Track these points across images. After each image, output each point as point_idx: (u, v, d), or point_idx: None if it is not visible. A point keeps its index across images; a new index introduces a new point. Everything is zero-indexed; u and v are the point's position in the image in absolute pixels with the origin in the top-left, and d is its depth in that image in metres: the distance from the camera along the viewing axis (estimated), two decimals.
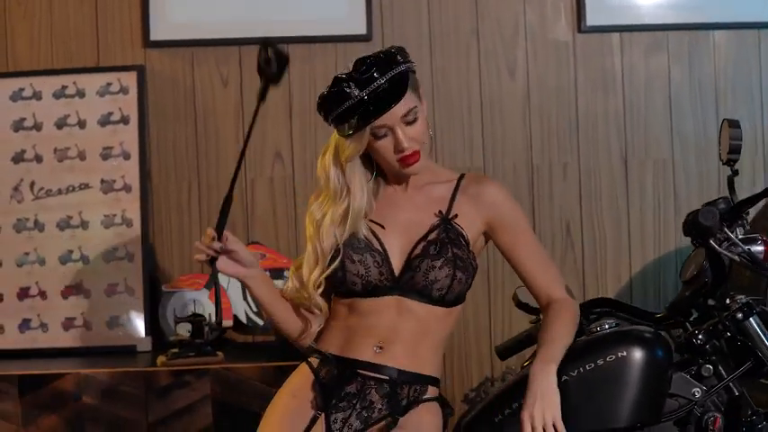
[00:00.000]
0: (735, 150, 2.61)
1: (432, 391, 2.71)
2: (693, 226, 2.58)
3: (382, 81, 2.58)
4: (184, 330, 3.84)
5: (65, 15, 4.15)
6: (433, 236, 2.69)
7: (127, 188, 4.06)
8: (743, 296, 2.69)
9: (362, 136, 2.65)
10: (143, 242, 4.04)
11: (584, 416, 2.60)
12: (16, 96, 4.08)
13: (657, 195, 4.15)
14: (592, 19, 4.12)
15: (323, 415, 2.67)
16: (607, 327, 2.73)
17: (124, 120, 4.07)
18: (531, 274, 2.77)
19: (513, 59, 4.16)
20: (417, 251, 2.68)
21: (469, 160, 4.13)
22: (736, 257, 2.61)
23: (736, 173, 2.66)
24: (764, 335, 2.64)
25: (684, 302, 2.78)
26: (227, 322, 3.89)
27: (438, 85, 4.16)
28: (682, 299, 2.79)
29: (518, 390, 2.65)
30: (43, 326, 4.01)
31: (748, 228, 2.72)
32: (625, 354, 2.60)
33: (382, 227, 2.72)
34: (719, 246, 2.61)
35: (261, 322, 4.00)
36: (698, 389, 2.64)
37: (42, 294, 4.02)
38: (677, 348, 2.71)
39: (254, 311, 3.99)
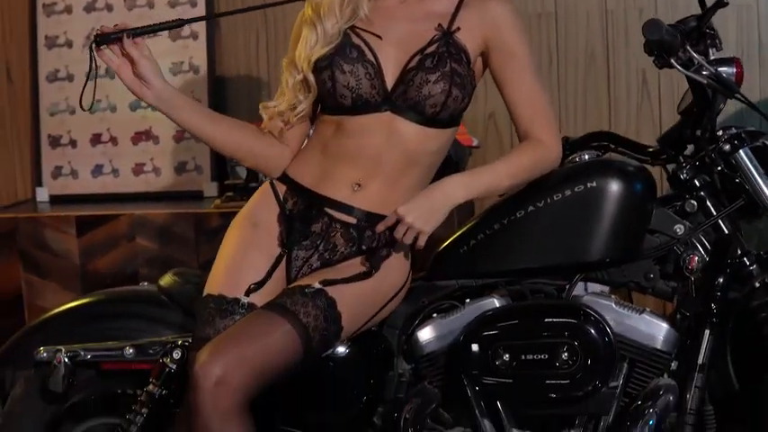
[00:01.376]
0: None
1: None
2: (652, 44, 2.41)
3: None
4: (241, 174, 3.93)
5: None
6: (431, 49, 2.52)
7: (194, 35, 4.13)
8: (734, 127, 2.55)
9: None
10: (209, 88, 4.10)
11: (551, 249, 2.54)
12: None
13: (740, 43, 3.88)
14: None
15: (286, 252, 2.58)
16: (587, 158, 2.64)
17: None
18: (516, 106, 2.57)
19: None
20: (413, 64, 2.51)
21: (540, 5, 3.98)
22: (703, 79, 2.43)
23: None
24: (756, 169, 2.48)
25: (674, 135, 2.63)
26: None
27: None
28: (673, 131, 2.65)
29: (483, 223, 2.61)
30: (114, 171, 4.17)
31: (722, 48, 2.53)
32: (594, 184, 2.50)
33: (379, 37, 2.54)
34: (686, 69, 2.43)
35: None
36: (681, 225, 2.52)
37: (113, 140, 4.17)
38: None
39: None
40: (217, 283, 2.54)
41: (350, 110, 2.54)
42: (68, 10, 4.21)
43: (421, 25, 2.55)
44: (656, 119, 3.96)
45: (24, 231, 3.81)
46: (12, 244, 3.83)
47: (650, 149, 2.68)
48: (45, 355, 2.67)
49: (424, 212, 2.45)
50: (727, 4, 2.50)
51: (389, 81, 2.52)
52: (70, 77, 4.18)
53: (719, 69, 2.44)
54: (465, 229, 2.63)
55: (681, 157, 2.60)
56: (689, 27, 2.45)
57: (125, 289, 2.99)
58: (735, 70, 2.46)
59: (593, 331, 2.41)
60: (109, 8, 4.18)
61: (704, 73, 2.45)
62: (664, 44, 2.37)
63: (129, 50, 2.47)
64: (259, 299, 2.50)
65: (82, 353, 2.67)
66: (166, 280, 2.79)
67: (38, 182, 4.20)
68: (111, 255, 3.80)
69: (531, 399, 2.49)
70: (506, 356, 2.44)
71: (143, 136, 4.14)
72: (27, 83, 4.28)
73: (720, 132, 2.54)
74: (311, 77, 2.52)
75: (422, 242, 2.47)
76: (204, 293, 2.54)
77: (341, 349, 2.54)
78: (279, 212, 2.60)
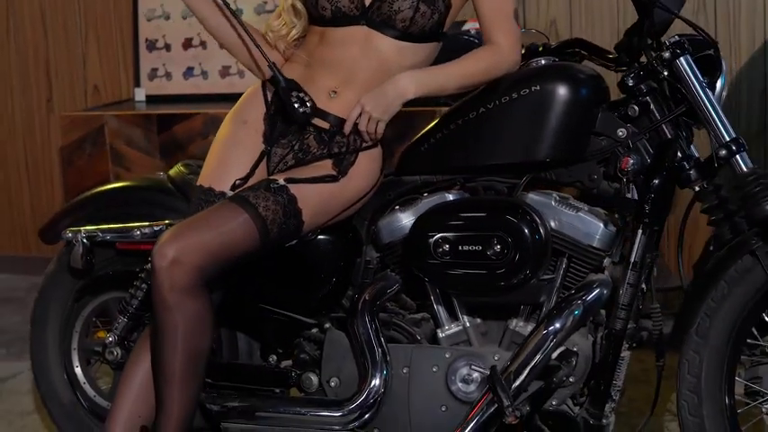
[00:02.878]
0: None
1: None
2: None
3: None
4: None
5: None
6: None
7: None
8: (677, 36, 2.67)
9: None
10: None
11: (502, 148, 2.73)
12: None
13: None
14: None
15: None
16: (543, 62, 2.82)
17: None
18: (482, 12, 2.80)
19: None
20: None
21: None
22: None
23: None
24: (695, 77, 2.61)
25: (625, 42, 2.77)
26: None
27: None
28: (625, 38, 2.79)
29: (442, 123, 2.84)
30: (204, 73, 4.56)
31: None
32: (539, 88, 2.68)
33: None
34: None
35: None
36: (623, 129, 2.67)
37: (203, 44, 4.56)
38: None
39: None
40: (207, 175, 2.85)
41: (330, 21, 2.78)
42: None
43: None
44: (712, 31, 4.04)
45: (112, 128, 4.24)
46: (102, 139, 4.29)
47: (610, 56, 2.82)
48: (69, 235, 3.06)
49: (380, 102, 2.70)
50: None
51: None
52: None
53: None
54: (427, 128, 2.86)
55: (635, 64, 2.74)
56: None
57: (143, 177, 3.36)
58: None
59: (523, 226, 2.61)
60: None
61: None
62: None
63: None
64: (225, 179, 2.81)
65: (99, 234, 3.05)
66: (174, 170, 3.14)
67: (136, 83, 4.63)
68: (188, 150, 4.19)
69: (469, 287, 2.72)
70: (446, 246, 2.68)
71: None
72: None
73: (668, 40, 2.67)
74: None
75: (380, 129, 2.72)
76: (197, 183, 2.87)
77: (311, 236, 2.84)
78: (265, 112, 2.86)
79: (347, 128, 2.76)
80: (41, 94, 5.24)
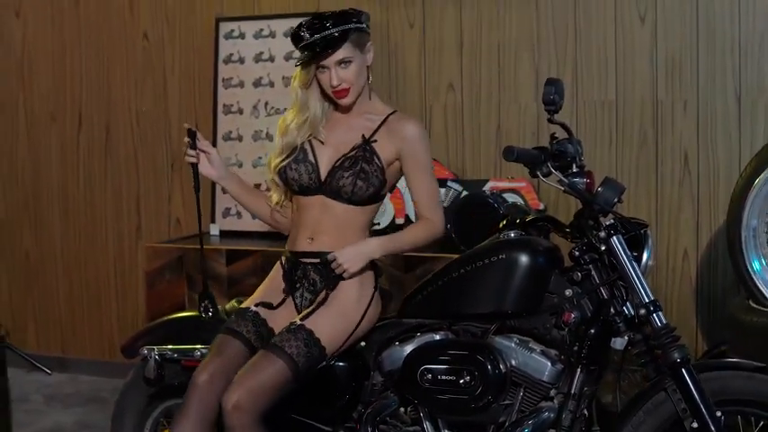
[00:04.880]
0: (547, 103, 3.51)
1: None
2: (512, 161, 3.51)
3: (328, 31, 3.64)
4: None
5: None
6: (352, 153, 3.71)
7: None
8: (611, 218, 3.50)
9: (310, 69, 3.71)
10: None
11: (477, 301, 3.61)
12: (258, 35, 5.58)
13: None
14: None
15: (290, 296, 3.80)
16: (512, 235, 3.70)
17: None
18: (416, 195, 3.79)
19: (644, 7, 5.00)
20: (337, 163, 3.72)
21: (604, 94, 5.05)
22: (560, 186, 3.52)
23: (550, 120, 3.52)
24: (624, 252, 3.44)
25: (575, 221, 3.62)
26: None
27: (580, 29, 5.10)
28: (575, 218, 3.64)
29: (433, 279, 3.74)
30: None
31: (581, 163, 3.55)
32: (504, 257, 3.57)
33: (322, 142, 3.77)
34: (546, 178, 3.53)
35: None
36: (570, 290, 3.53)
37: (268, 189, 5.52)
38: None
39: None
40: (250, 299, 3.87)
41: (298, 193, 3.81)
42: (241, 84, 5.63)
43: (353, 134, 3.76)
44: (695, 193, 4.94)
45: (189, 259, 5.24)
46: (180, 268, 5.28)
47: (567, 230, 3.72)
48: (145, 351, 3.98)
49: (351, 258, 3.69)
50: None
51: (323, 174, 3.74)
52: (240, 138, 5.59)
53: (573, 180, 3.50)
54: (422, 282, 3.79)
55: (583, 239, 3.64)
56: (554, 149, 3.52)
57: None
58: (585, 180, 3.51)
59: (487, 363, 3.50)
60: (271, 84, 5.56)
61: (563, 182, 3.49)
62: (523, 162, 3.47)
63: (206, 148, 3.87)
64: (271, 318, 3.77)
65: (168, 352, 3.95)
66: (230, 305, 4.07)
67: (212, 219, 5.64)
68: (250, 281, 5.10)
69: (446, 408, 3.61)
70: (430, 375, 3.58)
71: None
72: (209, 140, 5.68)
73: (606, 222, 3.53)
74: (276, 177, 3.84)
75: (346, 276, 3.70)
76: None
77: (331, 362, 3.77)
78: (283, 272, 3.87)
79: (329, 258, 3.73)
80: (132, 224, 6.26)
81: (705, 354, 4.75)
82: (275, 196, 3.92)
